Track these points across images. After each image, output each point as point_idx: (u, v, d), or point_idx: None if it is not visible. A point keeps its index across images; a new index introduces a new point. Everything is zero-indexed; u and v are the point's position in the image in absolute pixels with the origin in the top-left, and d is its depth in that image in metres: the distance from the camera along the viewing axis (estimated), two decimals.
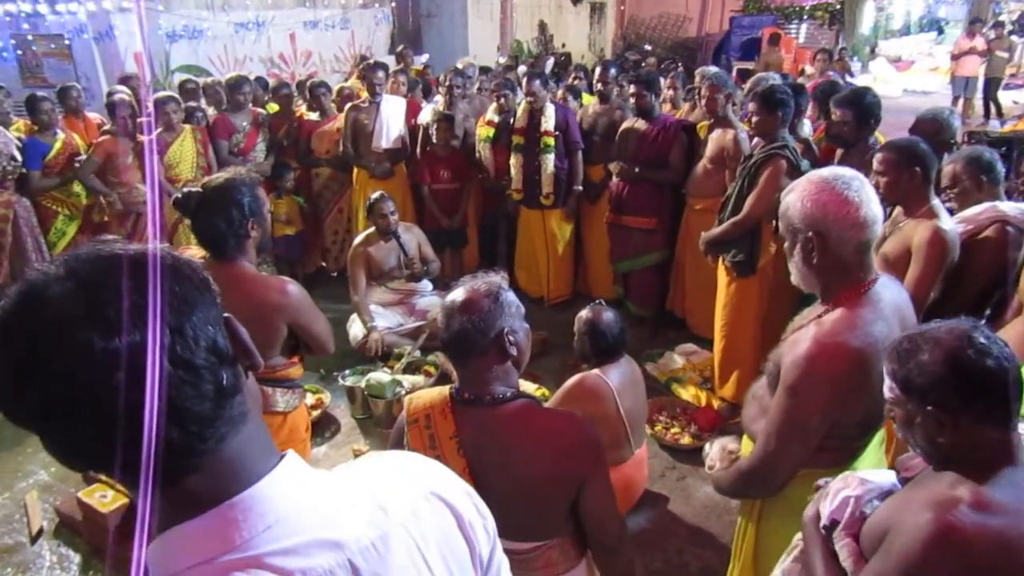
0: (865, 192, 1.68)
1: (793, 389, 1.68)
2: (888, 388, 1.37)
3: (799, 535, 1.66)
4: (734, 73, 9.92)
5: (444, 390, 1.73)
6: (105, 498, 3.05)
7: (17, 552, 3.14)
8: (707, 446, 3.62)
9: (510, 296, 1.73)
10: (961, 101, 11.19)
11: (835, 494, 1.51)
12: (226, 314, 0.72)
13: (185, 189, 2.33)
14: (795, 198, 1.74)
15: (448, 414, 1.66)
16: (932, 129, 3.30)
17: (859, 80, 11.90)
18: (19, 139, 4.78)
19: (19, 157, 4.66)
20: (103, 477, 3.19)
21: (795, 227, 1.74)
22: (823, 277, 1.74)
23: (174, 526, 0.69)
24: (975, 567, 1.21)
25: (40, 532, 3.23)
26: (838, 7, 15.17)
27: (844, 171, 1.76)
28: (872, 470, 1.57)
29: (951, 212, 2.77)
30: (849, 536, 1.45)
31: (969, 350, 1.26)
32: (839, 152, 3.60)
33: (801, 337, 1.70)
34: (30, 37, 8.56)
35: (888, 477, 1.50)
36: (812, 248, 1.70)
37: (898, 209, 2.78)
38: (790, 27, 15.02)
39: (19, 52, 8.66)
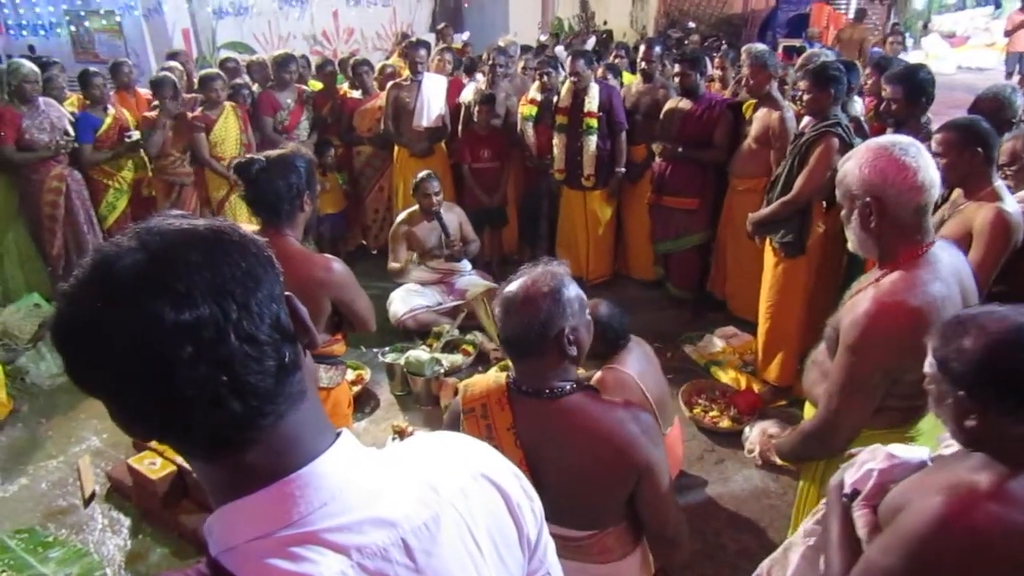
0: (923, 157, 1.71)
1: (854, 348, 1.72)
2: (928, 363, 1.36)
3: (825, 500, 1.68)
4: (780, 50, 9.65)
5: (500, 379, 1.69)
6: (154, 465, 3.15)
7: (71, 514, 3.26)
8: (747, 429, 3.63)
9: (571, 291, 1.62)
10: (1016, 78, 10.70)
11: (860, 465, 1.54)
12: (287, 292, 0.73)
13: (248, 156, 2.39)
14: (853, 165, 1.76)
15: (505, 405, 1.64)
16: (993, 107, 3.18)
17: (911, 57, 11.52)
18: (72, 113, 4.89)
19: (72, 132, 4.78)
20: (153, 444, 3.29)
21: (853, 193, 1.77)
22: (881, 241, 1.77)
23: (231, 500, 0.70)
24: (980, 557, 1.20)
25: (93, 496, 3.35)
26: None
27: (901, 138, 1.78)
28: (903, 446, 1.56)
29: (1008, 190, 2.68)
30: (868, 507, 1.47)
31: (1014, 343, 1.23)
32: (890, 131, 3.50)
33: (860, 299, 1.74)
34: (82, 13, 8.73)
35: (920, 453, 1.50)
36: (871, 213, 1.73)
37: (957, 191, 2.69)
38: (839, 2, 14.56)
39: (72, 28, 8.85)
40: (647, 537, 1.76)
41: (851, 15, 13.99)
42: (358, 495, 0.73)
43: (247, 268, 0.68)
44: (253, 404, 0.67)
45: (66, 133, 4.73)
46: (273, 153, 2.36)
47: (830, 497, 1.60)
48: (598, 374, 2.92)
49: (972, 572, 1.21)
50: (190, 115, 4.90)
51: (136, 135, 4.99)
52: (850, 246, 1.87)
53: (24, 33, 8.88)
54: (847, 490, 1.54)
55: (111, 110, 5.02)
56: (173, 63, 5.76)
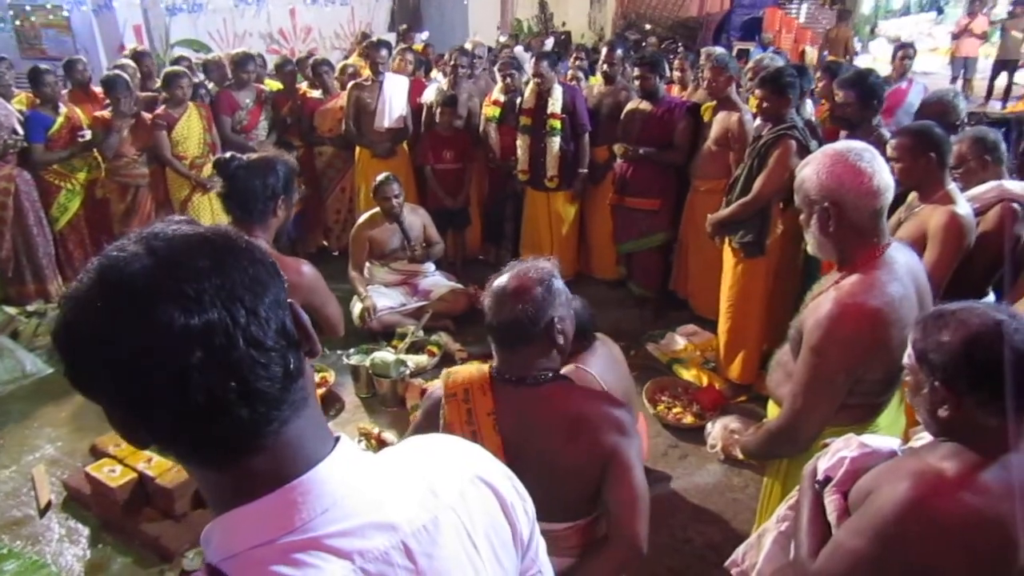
0: (877, 162, 1.78)
1: (817, 349, 1.77)
2: (907, 355, 1.42)
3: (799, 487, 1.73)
4: (735, 52, 9.85)
5: (484, 367, 1.73)
6: (114, 472, 3.07)
7: (27, 524, 3.16)
8: (709, 425, 3.71)
9: (560, 283, 1.70)
10: (960, 82, 11.07)
11: (833, 453, 1.59)
12: (290, 299, 0.73)
13: (230, 153, 2.40)
14: (811, 171, 1.82)
15: (488, 390, 1.68)
16: (938, 111, 3.31)
17: (859, 61, 11.84)
18: (21, 112, 4.74)
19: (20, 130, 4.63)
20: (111, 451, 3.21)
21: (812, 198, 1.82)
22: (840, 244, 1.83)
23: (233, 507, 0.70)
24: (946, 542, 1.25)
25: (49, 505, 3.25)
26: None
27: (856, 144, 1.85)
28: (875, 436, 1.62)
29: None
30: (839, 493, 1.52)
31: (992, 339, 1.27)
32: (843, 134, 3.61)
33: (822, 301, 1.79)
34: (28, 7, 8.45)
35: (891, 443, 1.56)
36: (829, 217, 1.79)
37: (913, 194, 2.79)
38: (791, 7, 14.91)
39: (17, 23, 8.56)
40: (610, 537, 1.72)
41: (802, 20, 14.36)
42: (359, 500, 0.74)
43: (254, 274, 0.68)
44: (260, 411, 0.67)
45: (14, 132, 4.58)
46: (255, 155, 2.38)
47: (803, 483, 1.65)
48: (563, 370, 2.96)
49: (935, 556, 1.26)
50: (148, 116, 4.79)
51: (89, 135, 4.86)
52: (809, 249, 1.92)
53: None
54: (820, 477, 1.59)
55: (63, 109, 4.88)
56: (125, 61, 5.62)
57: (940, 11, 18.24)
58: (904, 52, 5.88)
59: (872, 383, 1.81)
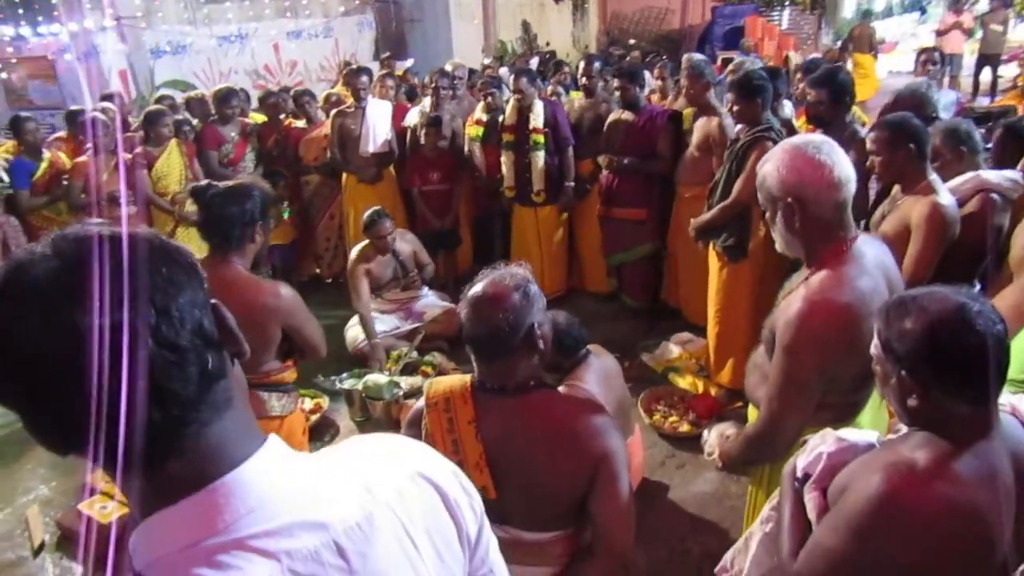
0: (836, 154, 1.74)
1: (789, 349, 1.72)
2: (874, 345, 1.39)
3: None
4: (719, 62, 9.92)
5: (465, 377, 1.71)
6: (105, 509, 3.06)
7: (20, 566, 3.13)
8: (705, 432, 3.63)
9: (535, 287, 1.67)
10: (947, 79, 11.13)
11: (811, 449, 1.56)
12: (213, 300, 0.72)
13: (206, 181, 2.45)
14: (771, 168, 1.79)
15: (469, 399, 1.65)
16: (912, 104, 3.31)
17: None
18: (6, 160, 4.79)
19: (5, 178, 4.68)
20: (102, 487, 3.19)
21: (774, 196, 1.79)
22: (806, 240, 1.78)
23: (155, 512, 0.69)
24: (921, 532, 1.23)
25: (42, 546, 3.23)
26: None
27: (813, 137, 1.83)
28: (853, 429, 1.60)
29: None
30: (818, 490, 1.49)
31: (953, 324, 1.25)
32: (818, 132, 3.61)
33: (792, 300, 1.74)
34: (14, 60, 8.55)
35: (869, 437, 1.53)
36: (793, 213, 1.75)
37: (896, 187, 2.78)
38: (772, 14, 15.05)
39: (3, 75, 8.66)
40: (594, 548, 1.68)
41: (784, 26, 14.48)
42: (286, 499, 0.72)
43: (168, 274, 0.67)
44: (175, 412, 0.67)
45: (0, 180, 4.62)
46: (231, 182, 2.41)
47: (783, 483, 1.62)
48: (559, 389, 2.93)
49: (913, 548, 1.24)
50: (128, 156, 4.82)
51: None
52: (777, 247, 1.89)
53: None
54: (799, 474, 1.56)
55: (47, 154, 4.92)
56: (106, 104, 5.66)
57: (923, 11, 18.41)
58: (928, 56, 5.85)
59: (847, 380, 1.77)
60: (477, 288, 1.65)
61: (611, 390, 3.00)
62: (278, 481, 0.73)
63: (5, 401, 0.66)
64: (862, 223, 3.07)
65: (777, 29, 13.49)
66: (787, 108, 4.41)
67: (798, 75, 5.11)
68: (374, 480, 0.80)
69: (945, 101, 4.86)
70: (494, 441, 1.62)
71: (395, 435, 0.92)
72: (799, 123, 4.37)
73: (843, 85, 3.50)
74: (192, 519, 0.68)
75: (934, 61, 5.81)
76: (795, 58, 11.73)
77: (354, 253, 4.67)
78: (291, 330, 2.40)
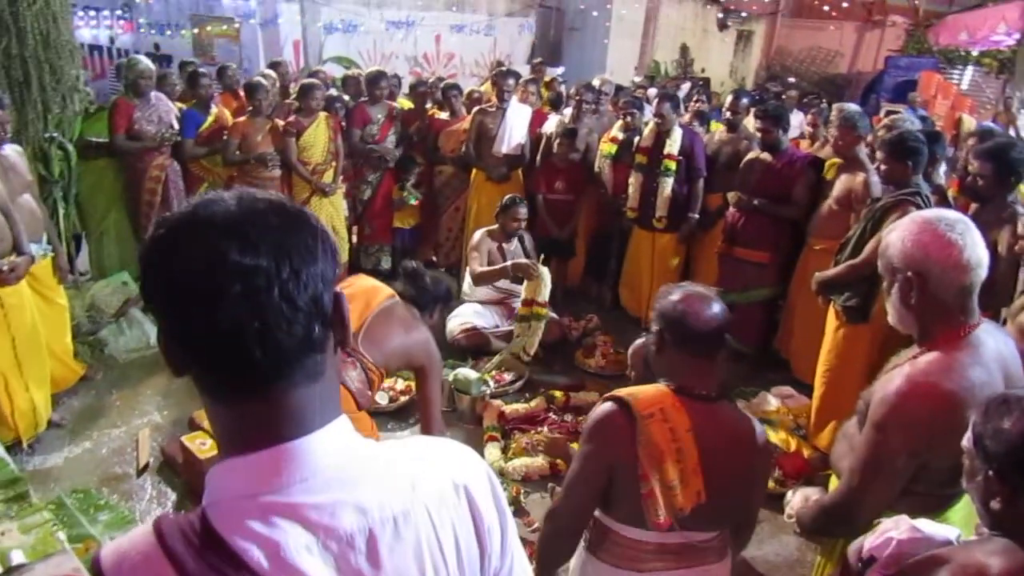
0: (970, 235, 1.63)
1: (880, 426, 1.65)
2: (966, 437, 1.32)
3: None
4: (882, 113, 9.39)
5: (660, 386, 1.80)
6: (204, 445, 3.29)
7: (124, 481, 3.44)
8: (789, 494, 3.47)
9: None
10: None
11: (882, 532, 1.48)
12: (338, 288, 0.81)
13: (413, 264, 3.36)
14: (896, 237, 1.70)
15: (681, 408, 1.73)
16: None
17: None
18: (180, 109, 5.25)
19: (176, 126, 5.12)
20: (206, 425, 3.44)
21: (895, 266, 1.70)
22: (921, 318, 1.70)
23: (230, 455, 0.77)
24: None
25: (146, 467, 3.53)
26: (1010, 55, 14.06)
27: (948, 213, 1.72)
28: (931, 521, 1.49)
29: None
30: (881, 575, 1.42)
31: None
32: (973, 206, 3.35)
33: (894, 375, 1.67)
34: (206, 17, 9.35)
35: (947, 532, 1.43)
36: (911, 288, 1.66)
37: None
38: (952, 72, 14.07)
39: (195, 31, 9.49)
40: (734, 536, 1.91)
41: (964, 87, 13.50)
42: (337, 477, 0.77)
43: (310, 246, 0.77)
44: (272, 358, 0.74)
45: (171, 127, 5.07)
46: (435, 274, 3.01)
47: (849, 558, 1.56)
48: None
49: None
50: (281, 123, 5.16)
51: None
52: (889, 320, 1.81)
53: (152, 32, 9.56)
54: (864, 555, 1.49)
55: (214, 109, 5.35)
56: (268, 71, 6.10)
57: None
58: None
59: (940, 471, 1.66)
60: (685, 291, 1.81)
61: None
62: (335, 459, 0.78)
63: (152, 306, 0.77)
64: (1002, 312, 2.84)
65: (955, 88, 12.59)
66: (941, 174, 4.12)
67: (969, 140, 4.74)
68: (420, 478, 0.84)
69: None
70: (706, 447, 1.72)
71: (462, 446, 0.95)
72: (951, 192, 4.09)
73: (1012, 165, 3.17)
74: (254, 472, 0.75)
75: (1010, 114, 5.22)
76: (968, 122, 10.94)
77: (478, 235, 4.82)
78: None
